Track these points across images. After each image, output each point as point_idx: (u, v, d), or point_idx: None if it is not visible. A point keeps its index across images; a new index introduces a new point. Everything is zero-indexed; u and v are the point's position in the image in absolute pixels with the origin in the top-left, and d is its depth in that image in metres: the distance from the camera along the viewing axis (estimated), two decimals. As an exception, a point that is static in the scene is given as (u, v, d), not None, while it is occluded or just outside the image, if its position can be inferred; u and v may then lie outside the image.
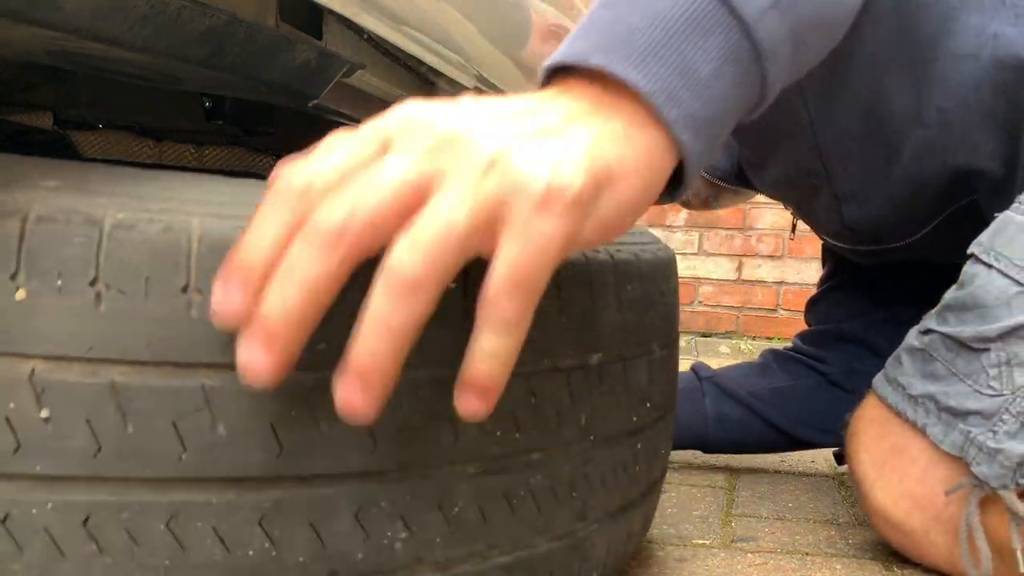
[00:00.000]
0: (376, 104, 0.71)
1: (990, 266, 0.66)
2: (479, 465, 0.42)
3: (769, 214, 2.78)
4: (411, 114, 0.36)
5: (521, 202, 0.33)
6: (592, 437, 0.47)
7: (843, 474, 1.05)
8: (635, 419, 0.51)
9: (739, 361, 1.13)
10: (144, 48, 0.46)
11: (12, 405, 0.33)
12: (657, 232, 2.81)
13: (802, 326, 1.14)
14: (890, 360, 0.73)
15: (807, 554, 0.75)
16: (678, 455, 1.11)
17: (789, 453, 1.15)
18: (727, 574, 0.68)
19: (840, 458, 0.92)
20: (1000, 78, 0.73)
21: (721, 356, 2.54)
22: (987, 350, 0.64)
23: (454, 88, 0.70)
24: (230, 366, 0.35)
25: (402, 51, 0.57)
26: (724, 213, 2.74)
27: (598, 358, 0.47)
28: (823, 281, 1.11)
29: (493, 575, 0.43)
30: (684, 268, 2.75)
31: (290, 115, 0.79)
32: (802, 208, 0.95)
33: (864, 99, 0.73)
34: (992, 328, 0.64)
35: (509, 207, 0.33)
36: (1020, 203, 0.68)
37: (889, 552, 0.73)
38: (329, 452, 0.37)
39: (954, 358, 0.66)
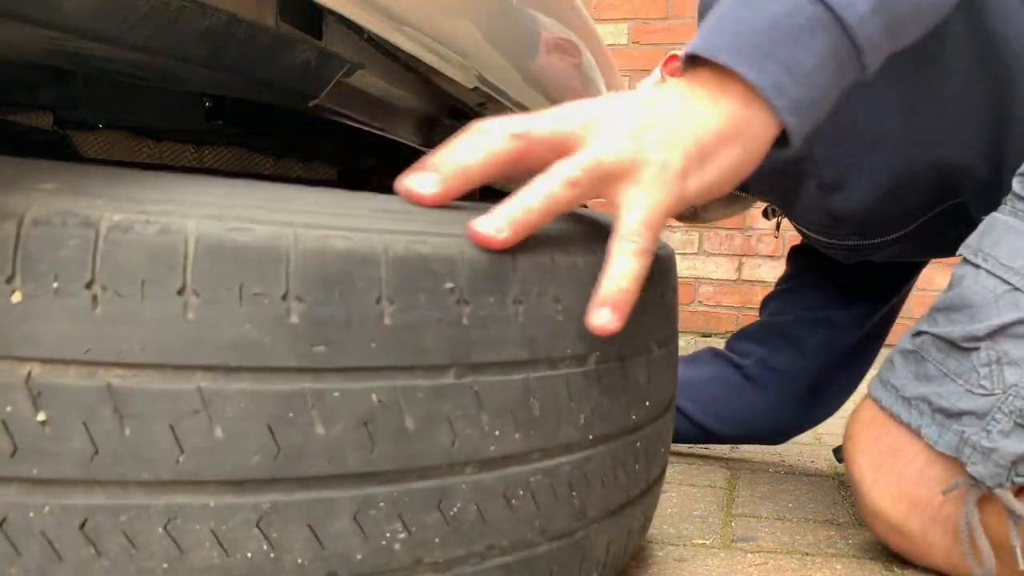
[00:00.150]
0: (376, 104, 0.71)
1: (978, 267, 0.66)
2: (478, 465, 0.41)
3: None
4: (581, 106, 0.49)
5: (645, 171, 0.46)
6: (591, 436, 0.47)
7: (843, 474, 1.05)
8: (634, 418, 0.51)
9: None
10: (144, 48, 0.46)
11: (9, 408, 0.33)
12: (657, 229, 2.78)
13: None
14: (884, 363, 0.73)
15: (807, 554, 0.75)
16: (679, 455, 1.11)
17: (789, 453, 1.15)
18: (727, 574, 0.68)
19: (840, 455, 0.93)
20: (990, 73, 0.73)
21: (721, 354, 2.53)
22: (977, 349, 0.64)
23: (454, 88, 0.70)
24: (227, 368, 0.35)
25: (402, 51, 0.57)
26: (724, 213, 2.73)
27: (597, 357, 0.47)
28: (780, 282, 1.13)
29: (493, 575, 0.43)
30: (684, 268, 2.74)
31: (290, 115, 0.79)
32: (788, 201, 0.95)
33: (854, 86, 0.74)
34: (981, 327, 0.64)
35: (636, 171, 0.46)
36: (1006, 204, 0.68)
37: (889, 552, 0.73)
38: (327, 454, 0.37)
39: (945, 358, 0.67)
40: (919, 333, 0.70)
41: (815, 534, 0.80)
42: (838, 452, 0.94)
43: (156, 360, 0.34)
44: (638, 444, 0.52)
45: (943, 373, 0.66)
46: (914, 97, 0.76)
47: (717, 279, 2.77)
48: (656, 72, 1.21)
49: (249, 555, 0.36)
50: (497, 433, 0.42)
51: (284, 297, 0.36)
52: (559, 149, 0.47)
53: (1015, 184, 0.67)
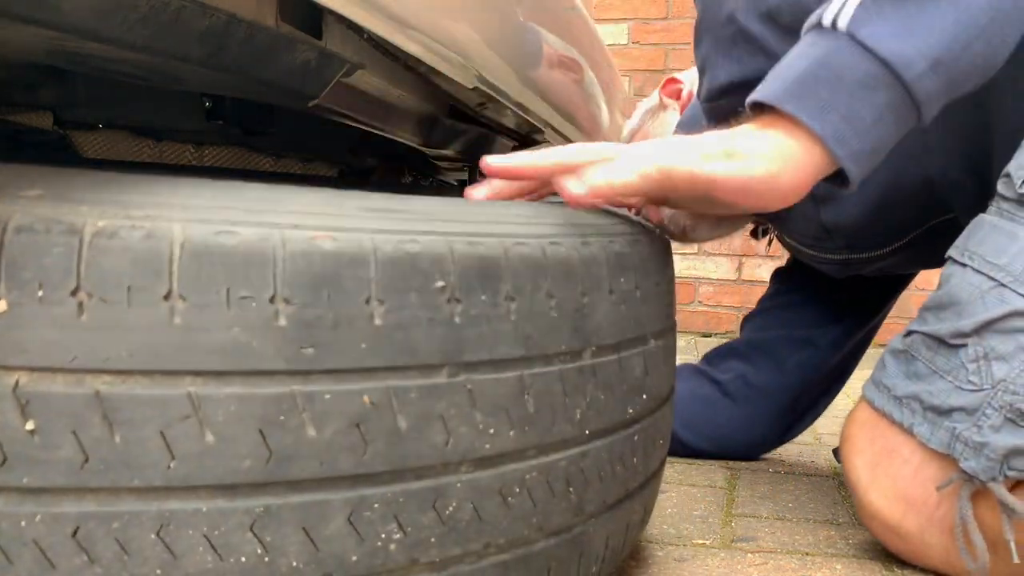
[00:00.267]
0: (376, 104, 0.70)
1: (965, 265, 0.67)
2: (473, 464, 0.41)
3: (770, 210, 2.75)
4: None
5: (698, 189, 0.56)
6: (587, 431, 0.47)
7: (842, 474, 1.05)
8: (631, 411, 0.51)
9: None
10: (144, 48, 0.45)
11: (-3, 418, 0.33)
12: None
13: None
14: (877, 363, 0.73)
15: (807, 554, 0.74)
16: (678, 455, 1.10)
17: (789, 453, 1.15)
18: (727, 574, 0.68)
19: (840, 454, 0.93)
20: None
21: (722, 354, 2.52)
22: (964, 346, 0.65)
23: (454, 88, 0.70)
24: (216, 372, 0.35)
25: (402, 51, 0.56)
26: (724, 213, 2.71)
27: (592, 352, 0.47)
28: (762, 301, 1.15)
29: (490, 573, 0.43)
30: (684, 268, 2.73)
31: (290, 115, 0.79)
32: (781, 215, 0.96)
33: None
34: (968, 323, 0.64)
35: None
36: (992, 205, 0.69)
37: (889, 553, 0.73)
38: (319, 456, 0.37)
39: (934, 356, 0.67)
40: (909, 333, 0.70)
41: (815, 534, 0.80)
42: (838, 452, 0.93)
43: (144, 366, 0.34)
44: (636, 437, 0.52)
45: (933, 371, 0.67)
46: None
47: (717, 279, 2.76)
48: (655, 95, 1.22)
49: (243, 559, 0.36)
50: (492, 431, 0.42)
51: (272, 300, 0.36)
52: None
53: (999, 186, 0.68)
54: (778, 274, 1.17)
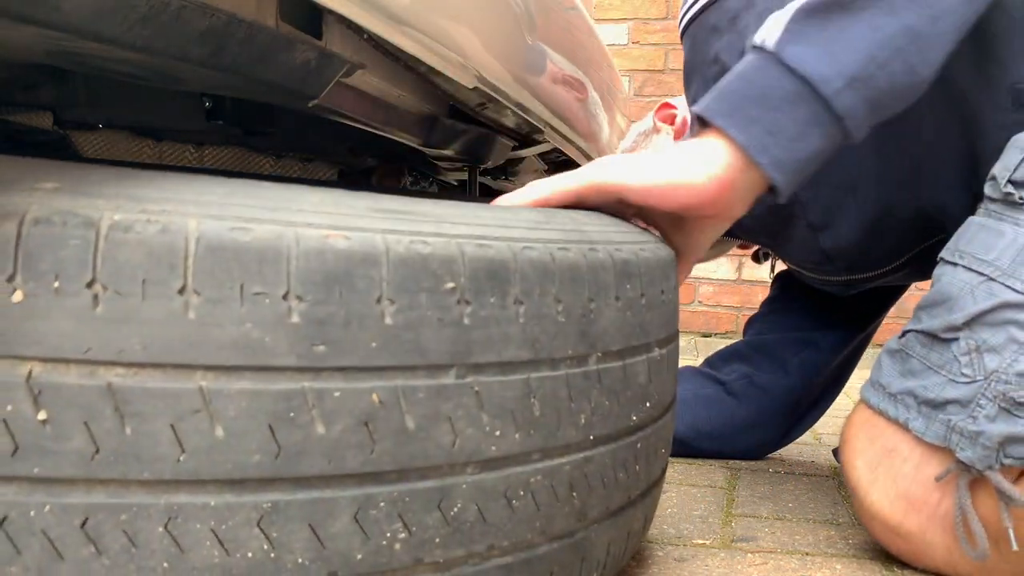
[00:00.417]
0: (376, 104, 0.71)
1: (955, 264, 0.69)
2: (478, 465, 0.41)
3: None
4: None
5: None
6: (592, 436, 0.47)
7: (843, 476, 1.05)
8: (635, 418, 0.51)
9: None
10: (144, 48, 0.46)
11: (9, 407, 0.33)
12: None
13: None
14: (873, 365, 0.75)
15: (807, 554, 0.74)
16: (678, 455, 1.11)
17: (789, 453, 1.15)
18: (727, 574, 0.68)
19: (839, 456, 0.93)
20: (959, 117, 0.78)
21: (722, 355, 2.53)
22: (956, 339, 0.66)
23: (454, 88, 0.70)
24: (228, 367, 0.35)
25: (402, 51, 0.57)
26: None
27: (598, 357, 0.47)
28: (765, 304, 1.18)
29: (493, 575, 0.43)
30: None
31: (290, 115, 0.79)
32: (781, 243, 1.00)
33: None
34: (958, 316, 0.66)
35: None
36: (980, 208, 0.71)
37: (889, 553, 0.73)
38: (327, 453, 0.37)
39: (928, 352, 0.68)
40: (904, 333, 0.72)
41: (815, 534, 0.80)
42: (838, 452, 0.94)
43: (157, 359, 0.34)
44: (639, 444, 0.52)
45: (927, 366, 0.68)
46: (886, 141, 0.81)
47: (717, 279, 2.77)
48: (649, 118, 1.25)
49: (250, 554, 0.36)
50: (498, 433, 0.42)
51: (285, 296, 0.36)
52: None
53: (986, 188, 0.70)
54: (780, 278, 1.19)
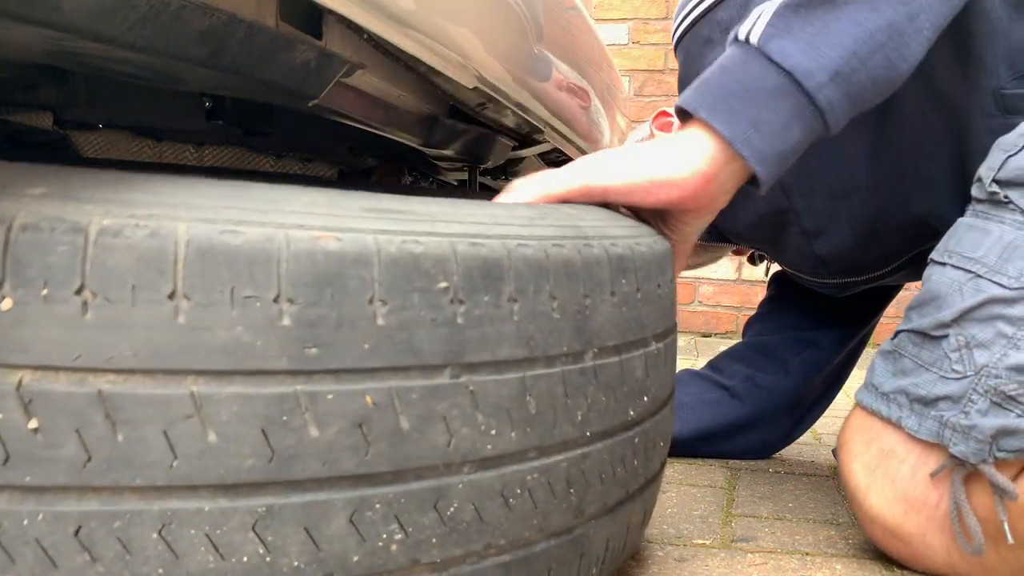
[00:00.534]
0: (376, 104, 0.70)
1: (944, 263, 0.70)
2: (474, 464, 0.41)
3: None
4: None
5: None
6: (589, 433, 0.47)
7: (841, 480, 1.05)
8: (632, 414, 0.51)
9: None
10: (144, 48, 0.45)
11: (0, 416, 0.33)
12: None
13: None
14: (868, 368, 0.75)
15: (807, 554, 0.74)
16: (678, 455, 1.10)
17: (789, 453, 1.15)
18: (727, 574, 0.68)
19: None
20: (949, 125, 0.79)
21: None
22: (946, 336, 0.67)
23: (454, 88, 0.70)
24: (219, 372, 0.35)
25: (402, 51, 0.56)
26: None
27: (594, 353, 0.47)
28: (763, 304, 1.19)
29: (491, 574, 0.43)
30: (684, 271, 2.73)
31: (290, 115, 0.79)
32: (776, 248, 1.01)
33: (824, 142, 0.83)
34: (947, 313, 0.67)
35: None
36: (968, 209, 0.72)
37: (888, 556, 0.73)
38: (321, 456, 0.37)
39: (919, 351, 0.69)
40: (897, 334, 0.73)
41: (815, 534, 0.80)
42: (837, 452, 0.94)
43: (148, 365, 0.34)
44: (636, 440, 0.52)
45: (918, 365, 0.68)
46: (876, 148, 0.83)
47: (717, 279, 2.76)
48: (646, 126, 1.26)
49: (245, 559, 0.36)
50: (493, 432, 0.42)
51: (276, 299, 0.36)
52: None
53: (973, 190, 0.71)
54: (776, 278, 1.20)
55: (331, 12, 0.49)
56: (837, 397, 1.18)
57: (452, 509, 0.41)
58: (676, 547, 0.74)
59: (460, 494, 0.41)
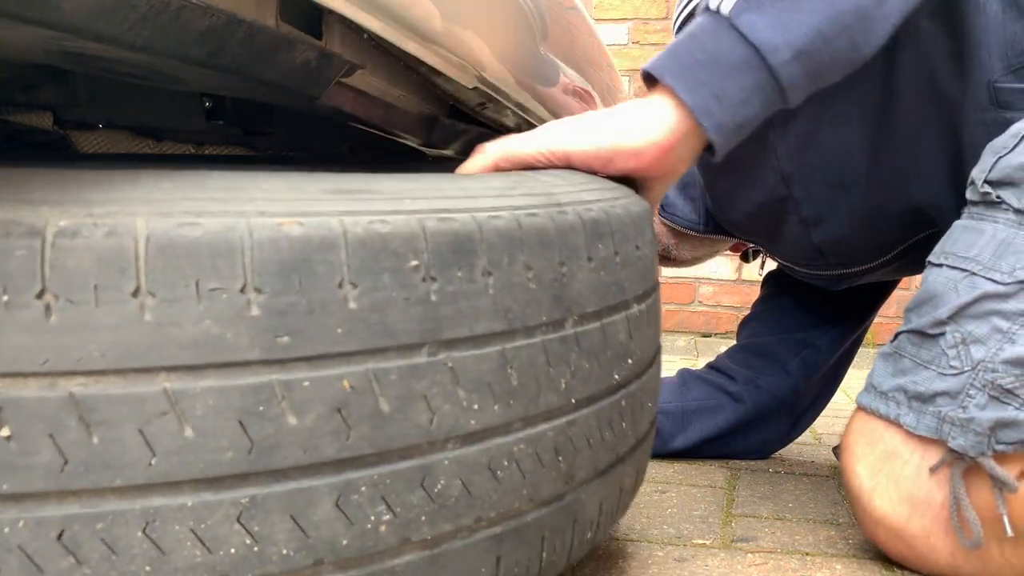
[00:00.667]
0: (376, 104, 0.70)
1: (940, 265, 0.71)
2: (459, 440, 0.41)
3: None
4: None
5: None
6: (573, 400, 0.47)
7: (844, 483, 1.05)
8: (617, 377, 0.51)
9: None
10: (144, 48, 0.45)
11: (-28, 426, 0.33)
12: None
13: None
14: (869, 371, 0.76)
15: (807, 554, 0.75)
16: (678, 454, 1.11)
17: (789, 453, 1.16)
18: (727, 574, 0.69)
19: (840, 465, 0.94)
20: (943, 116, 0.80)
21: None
22: (943, 334, 0.68)
23: (454, 88, 0.69)
24: (191, 367, 0.35)
25: (402, 51, 0.56)
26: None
27: (574, 321, 0.47)
28: (757, 304, 1.20)
29: (483, 547, 0.43)
30: (684, 268, 2.71)
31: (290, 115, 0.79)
32: (773, 240, 1.01)
33: (821, 131, 0.82)
34: (944, 311, 0.68)
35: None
36: (964, 212, 0.73)
37: (891, 558, 0.73)
38: (301, 443, 0.36)
39: (918, 350, 0.70)
40: (896, 336, 0.74)
41: (815, 534, 0.80)
42: (838, 451, 0.94)
43: (117, 365, 0.34)
44: (623, 403, 0.52)
45: (917, 363, 0.69)
46: (875, 139, 0.83)
47: (717, 279, 2.75)
48: None
49: (232, 551, 0.36)
50: (476, 407, 0.42)
51: (243, 290, 0.35)
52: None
53: (967, 193, 0.72)
54: (770, 278, 1.20)
55: (331, 12, 0.49)
56: (837, 397, 1.18)
57: (439, 486, 0.41)
58: (676, 547, 0.74)
59: (446, 471, 0.41)
